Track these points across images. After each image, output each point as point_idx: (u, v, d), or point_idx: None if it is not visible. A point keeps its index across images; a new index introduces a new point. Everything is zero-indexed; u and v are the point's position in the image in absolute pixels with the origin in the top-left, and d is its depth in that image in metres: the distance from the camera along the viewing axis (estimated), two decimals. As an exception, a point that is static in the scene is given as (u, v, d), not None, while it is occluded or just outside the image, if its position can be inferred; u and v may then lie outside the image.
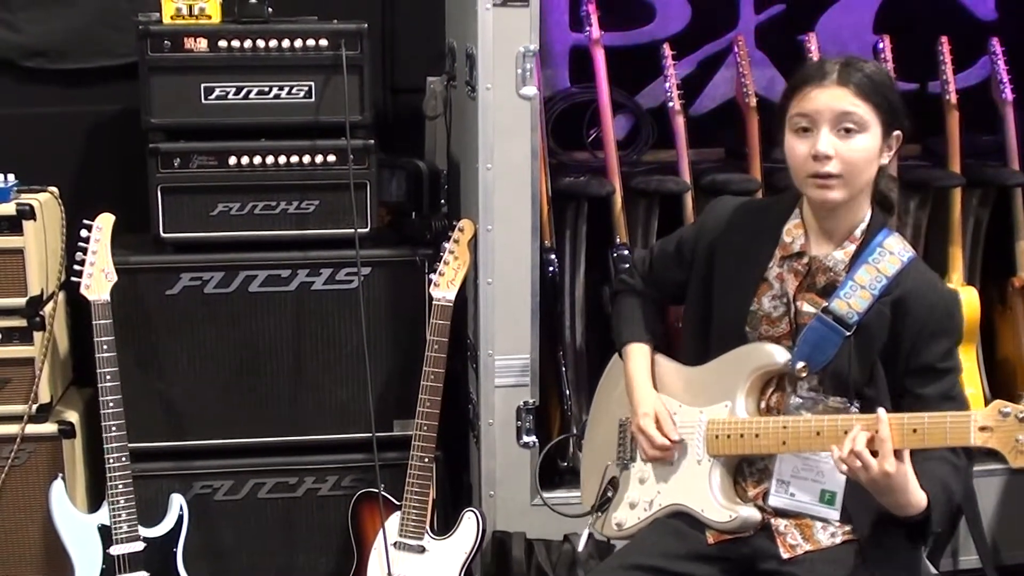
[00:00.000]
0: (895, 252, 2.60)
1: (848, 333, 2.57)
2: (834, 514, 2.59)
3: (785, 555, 2.61)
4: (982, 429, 2.32)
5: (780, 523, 2.64)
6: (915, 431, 2.39)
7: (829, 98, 2.51)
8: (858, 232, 2.62)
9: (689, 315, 2.84)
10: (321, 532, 3.70)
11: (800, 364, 2.60)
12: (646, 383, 2.84)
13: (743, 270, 2.71)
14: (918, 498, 2.42)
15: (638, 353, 2.89)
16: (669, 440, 2.72)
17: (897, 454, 2.38)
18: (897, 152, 2.63)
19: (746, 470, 2.71)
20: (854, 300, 2.57)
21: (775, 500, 2.63)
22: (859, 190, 2.59)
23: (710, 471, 2.69)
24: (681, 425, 2.75)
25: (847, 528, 2.61)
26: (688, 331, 2.85)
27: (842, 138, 2.51)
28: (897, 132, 2.58)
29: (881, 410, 2.41)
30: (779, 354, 2.64)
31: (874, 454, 2.38)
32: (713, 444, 2.68)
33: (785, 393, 2.66)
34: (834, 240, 2.63)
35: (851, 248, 2.62)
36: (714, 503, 2.66)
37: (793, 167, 2.59)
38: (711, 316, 2.75)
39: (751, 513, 2.63)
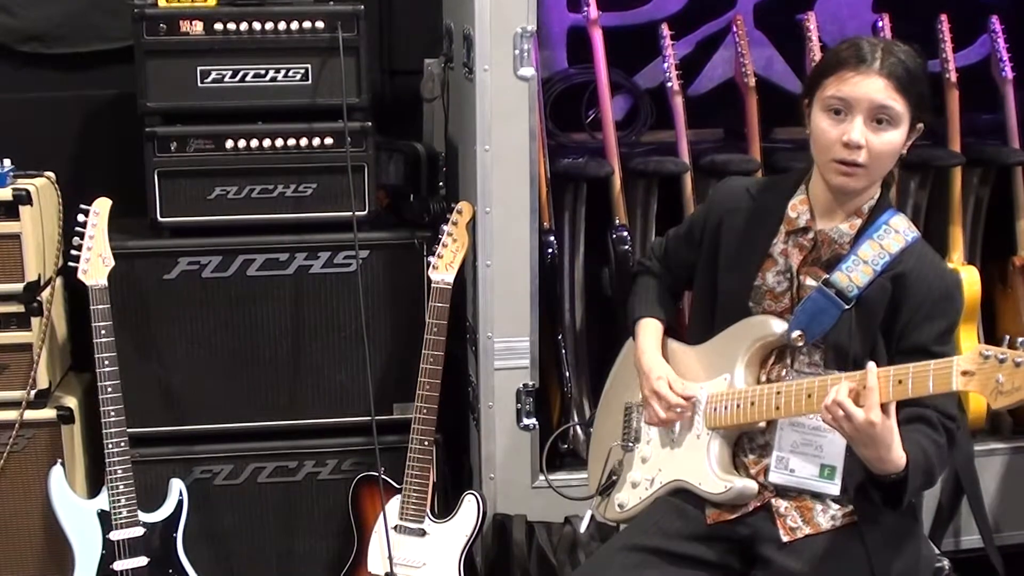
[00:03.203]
0: (900, 231, 2.61)
1: (847, 306, 2.58)
2: (834, 489, 2.59)
3: (785, 538, 2.61)
4: (964, 373, 2.31)
5: (781, 504, 2.64)
6: (900, 382, 2.38)
7: (869, 87, 2.50)
8: (865, 208, 2.63)
9: (696, 293, 2.86)
10: (321, 516, 3.70)
11: (796, 333, 2.60)
12: (656, 352, 2.85)
13: (747, 246, 2.71)
14: (898, 455, 2.42)
15: (648, 327, 2.90)
16: (684, 398, 2.72)
17: (883, 408, 2.37)
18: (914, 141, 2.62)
19: (747, 445, 2.72)
20: (855, 274, 2.58)
21: (775, 476, 2.63)
22: (878, 179, 2.61)
23: (708, 444, 2.70)
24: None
25: (847, 510, 2.61)
26: (695, 308, 2.87)
27: (874, 130, 2.51)
28: (920, 124, 2.58)
29: (871, 363, 2.41)
30: (776, 324, 2.65)
31: (861, 407, 2.38)
32: (711, 417, 2.70)
33: (786, 365, 2.67)
34: (840, 215, 2.64)
35: (857, 222, 2.63)
36: (711, 475, 2.67)
37: (818, 147, 2.58)
38: (716, 293, 2.76)
39: (746, 484, 2.64)
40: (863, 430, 2.38)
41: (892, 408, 2.40)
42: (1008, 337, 2.30)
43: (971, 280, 3.85)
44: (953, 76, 3.87)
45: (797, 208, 2.67)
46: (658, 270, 2.97)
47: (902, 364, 2.51)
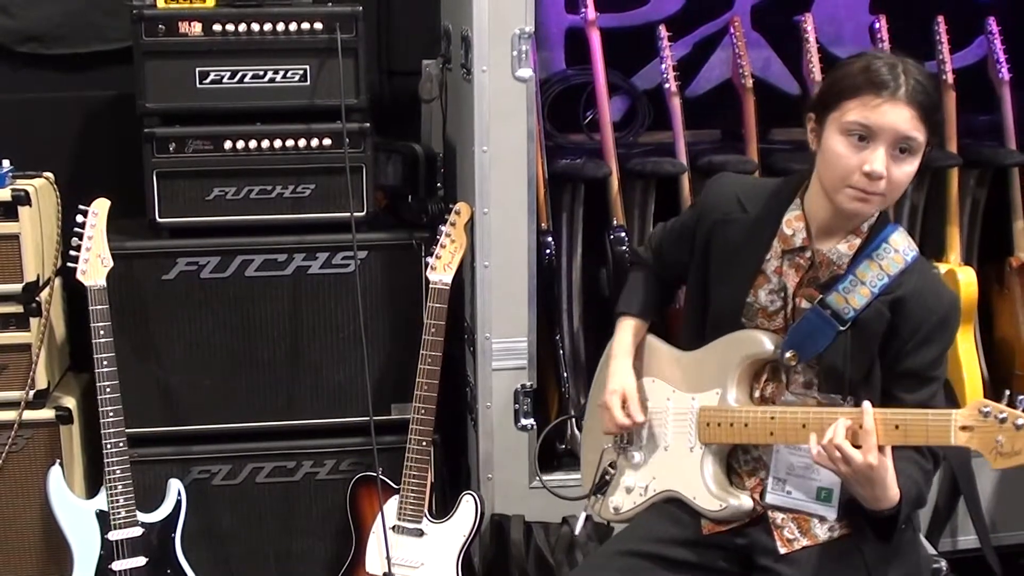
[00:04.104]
0: (900, 250, 2.56)
1: (842, 328, 2.54)
2: (831, 512, 2.57)
3: (782, 550, 2.60)
4: (963, 428, 2.31)
5: (777, 516, 2.63)
6: (897, 427, 2.38)
7: (896, 118, 2.42)
8: (864, 226, 2.58)
9: (688, 299, 2.82)
10: (319, 516, 3.70)
11: (789, 353, 2.58)
12: (623, 360, 2.83)
13: (739, 260, 2.67)
14: (893, 493, 2.42)
15: (626, 328, 2.88)
16: (631, 420, 2.73)
17: (880, 448, 2.37)
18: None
19: (740, 458, 2.71)
20: (852, 296, 2.54)
21: (772, 498, 2.62)
22: (889, 205, 2.56)
23: (702, 459, 2.68)
24: (675, 411, 2.75)
25: (845, 521, 2.59)
26: (687, 315, 2.83)
27: (895, 159, 2.44)
28: (929, 147, 2.51)
29: (867, 403, 2.40)
30: (768, 341, 2.62)
31: (857, 447, 2.37)
32: (704, 431, 2.68)
33: (780, 385, 2.65)
34: (839, 235, 2.59)
35: (856, 241, 2.57)
36: (705, 491, 2.66)
37: (832, 171, 2.49)
38: (708, 303, 2.73)
39: (741, 503, 2.63)
40: (861, 472, 2.37)
41: (889, 449, 2.39)
42: (1008, 393, 2.31)
43: (968, 281, 3.85)
44: (950, 77, 3.87)
45: (793, 225, 2.61)
46: (652, 263, 2.93)
47: (891, 392, 2.54)
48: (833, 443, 2.38)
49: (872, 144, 2.44)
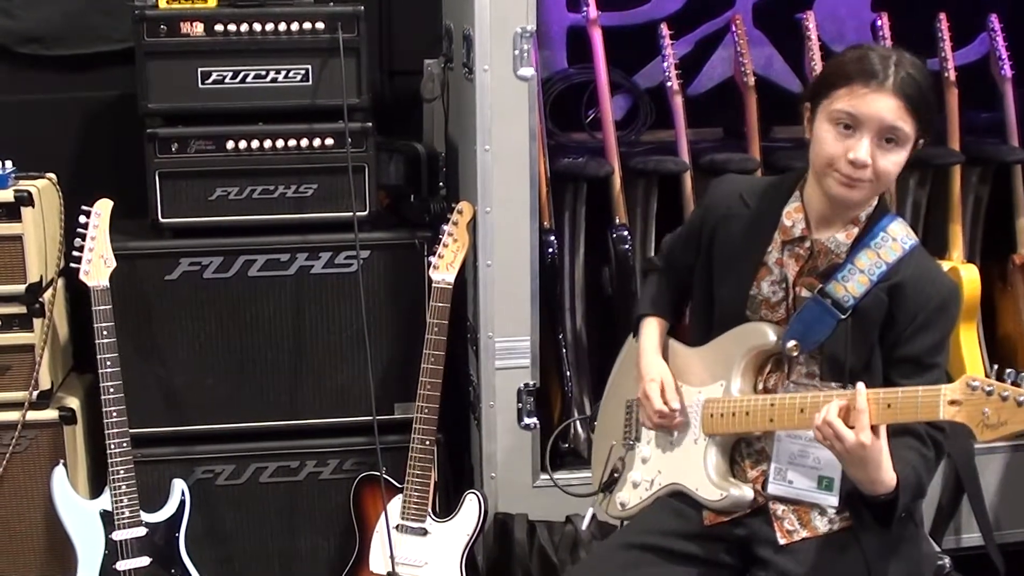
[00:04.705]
0: (898, 239, 2.58)
1: (843, 316, 2.55)
2: (833, 500, 2.58)
3: (782, 541, 2.61)
4: (951, 403, 2.31)
5: (778, 507, 2.64)
6: (889, 406, 2.38)
7: (882, 107, 2.44)
8: (862, 216, 2.59)
9: (695, 297, 2.85)
10: (323, 516, 3.70)
11: (791, 343, 2.59)
12: (655, 352, 2.85)
13: (742, 254, 2.69)
14: (889, 477, 2.42)
15: (651, 325, 2.90)
16: (668, 407, 2.73)
17: (873, 429, 2.38)
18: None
19: (744, 450, 2.72)
20: (851, 284, 2.56)
21: (774, 488, 2.62)
22: (878, 194, 2.58)
23: (705, 450, 2.70)
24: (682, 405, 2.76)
25: (845, 514, 2.60)
26: (694, 312, 2.86)
27: (881, 148, 2.46)
28: (921, 141, 2.53)
29: (860, 383, 2.41)
30: (772, 332, 2.64)
31: (852, 428, 2.38)
32: (708, 423, 2.69)
33: (783, 376, 2.66)
34: (837, 224, 2.61)
35: (854, 231, 2.59)
36: (707, 482, 2.67)
37: (820, 158, 2.52)
38: (714, 298, 2.75)
39: (742, 493, 2.64)
40: (854, 451, 2.38)
41: (882, 430, 2.40)
42: (996, 367, 2.31)
43: (971, 278, 3.85)
44: (952, 74, 3.88)
45: (792, 216, 2.64)
46: (665, 269, 2.96)
47: (892, 379, 2.54)
48: (825, 420, 2.40)
49: (858, 133, 2.47)
